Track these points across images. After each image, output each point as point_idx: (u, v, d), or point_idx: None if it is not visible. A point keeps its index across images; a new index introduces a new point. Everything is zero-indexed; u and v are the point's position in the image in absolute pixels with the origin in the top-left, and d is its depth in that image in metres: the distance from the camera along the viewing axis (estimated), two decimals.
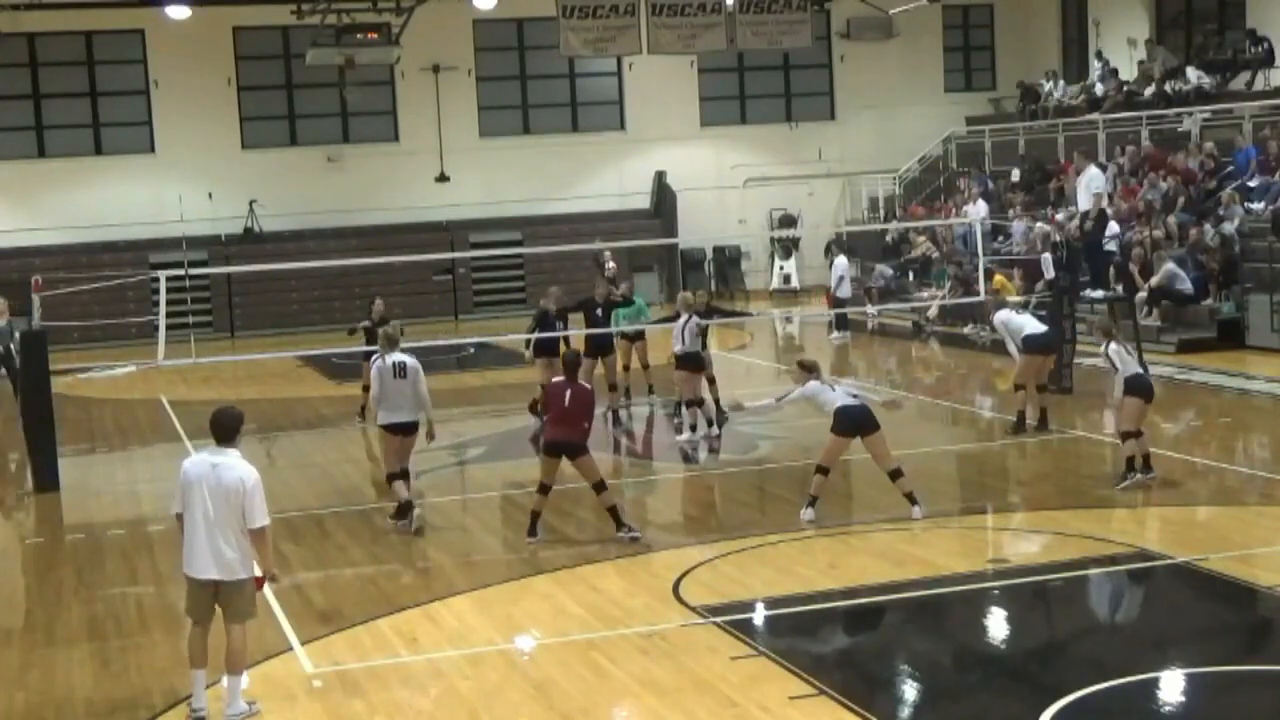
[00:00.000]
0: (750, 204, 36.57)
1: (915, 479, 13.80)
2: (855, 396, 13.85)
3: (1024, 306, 19.72)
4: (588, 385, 13.56)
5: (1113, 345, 14.75)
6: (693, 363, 18.07)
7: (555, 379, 13.62)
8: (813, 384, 13.70)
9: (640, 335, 20.37)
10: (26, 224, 32.45)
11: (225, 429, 9.29)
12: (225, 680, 9.31)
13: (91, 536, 14.71)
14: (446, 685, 9.82)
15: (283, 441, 19.44)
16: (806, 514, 13.53)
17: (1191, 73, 29.73)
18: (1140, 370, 14.81)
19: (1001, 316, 17.94)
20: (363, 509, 15.19)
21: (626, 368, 20.27)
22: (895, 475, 13.60)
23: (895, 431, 17.83)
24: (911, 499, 13.49)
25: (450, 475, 17.55)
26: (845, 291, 27.89)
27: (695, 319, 18.06)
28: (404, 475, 14.09)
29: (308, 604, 11.79)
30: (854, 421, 13.53)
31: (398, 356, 13.84)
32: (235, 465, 9.17)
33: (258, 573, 9.36)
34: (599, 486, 13.18)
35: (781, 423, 19.54)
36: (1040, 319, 18.42)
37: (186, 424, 20.57)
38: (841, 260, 28.25)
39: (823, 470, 13.61)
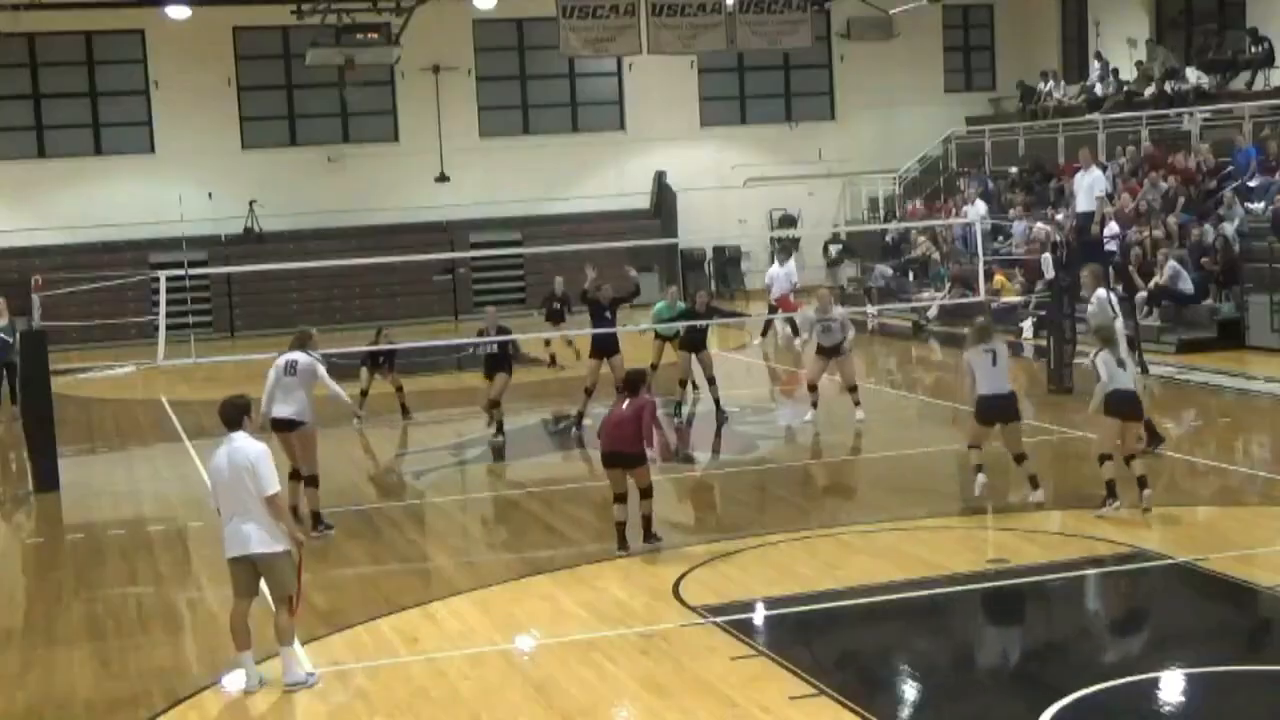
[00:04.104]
0: (750, 204, 36.56)
1: (916, 479, 13.79)
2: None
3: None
4: (648, 397, 12.97)
5: (1103, 354, 13.38)
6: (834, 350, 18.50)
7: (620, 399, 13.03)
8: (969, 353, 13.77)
9: (678, 334, 20.48)
10: (26, 224, 32.44)
11: (228, 417, 9.99)
12: (280, 651, 9.85)
13: (91, 536, 14.70)
14: (446, 685, 9.82)
15: None
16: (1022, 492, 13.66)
17: (1191, 73, 29.72)
18: (1125, 386, 13.28)
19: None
20: (362, 509, 15.19)
21: (654, 366, 20.52)
22: (1020, 459, 13.70)
23: (896, 431, 17.91)
24: (1034, 483, 13.61)
25: (450, 475, 17.56)
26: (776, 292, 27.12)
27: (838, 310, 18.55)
28: (300, 478, 13.88)
29: (308, 604, 11.75)
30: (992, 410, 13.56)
31: (293, 355, 13.96)
32: (243, 445, 9.82)
33: (288, 546, 9.89)
34: (646, 492, 12.78)
35: (782, 423, 19.55)
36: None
37: (186, 424, 20.59)
38: (776, 268, 27.68)
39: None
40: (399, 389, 20.35)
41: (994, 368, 13.40)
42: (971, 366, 13.66)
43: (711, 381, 19.28)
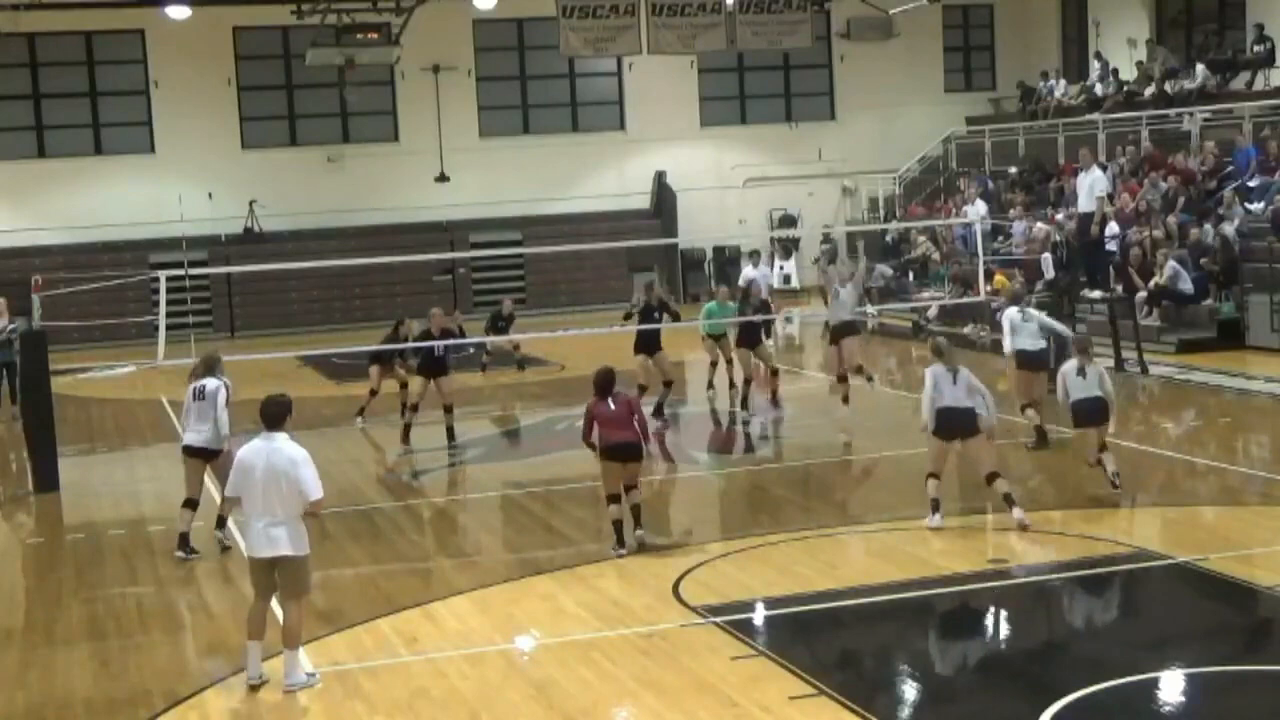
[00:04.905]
0: (750, 204, 36.56)
1: (916, 479, 13.76)
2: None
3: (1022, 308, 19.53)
4: (626, 394, 13.09)
5: (1065, 366, 14.09)
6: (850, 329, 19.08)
7: (593, 400, 12.95)
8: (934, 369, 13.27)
9: (725, 334, 20.66)
10: (26, 224, 32.44)
11: (274, 416, 10.00)
12: (283, 654, 9.84)
13: (91, 536, 14.70)
14: (446, 685, 9.82)
15: None
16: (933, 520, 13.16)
17: (1199, 70, 29.62)
18: (1086, 395, 13.84)
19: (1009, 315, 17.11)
20: (362, 509, 15.19)
21: (714, 364, 20.82)
22: (991, 479, 13.15)
23: (896, 431, 17.89)
24: (1009, 500, 13.04)
25: (450, 475, 17.56)
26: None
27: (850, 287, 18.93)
28: (193, 506, 13.48)
29: (308, 604, 11.76)
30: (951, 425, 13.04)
31: (201, 381, 13.54)
32: (285, 447, 9.84)
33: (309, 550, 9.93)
34: (633, 485, 12.89)
35: (781, 423, 19.54)
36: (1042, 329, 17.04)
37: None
38: (751, 270, 27.30)
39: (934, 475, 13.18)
40: (403, 385, 20.31)
41: (954, 385, 13.05)
42: (935, 379, 13.21)
43: (775, 374, 19.93)
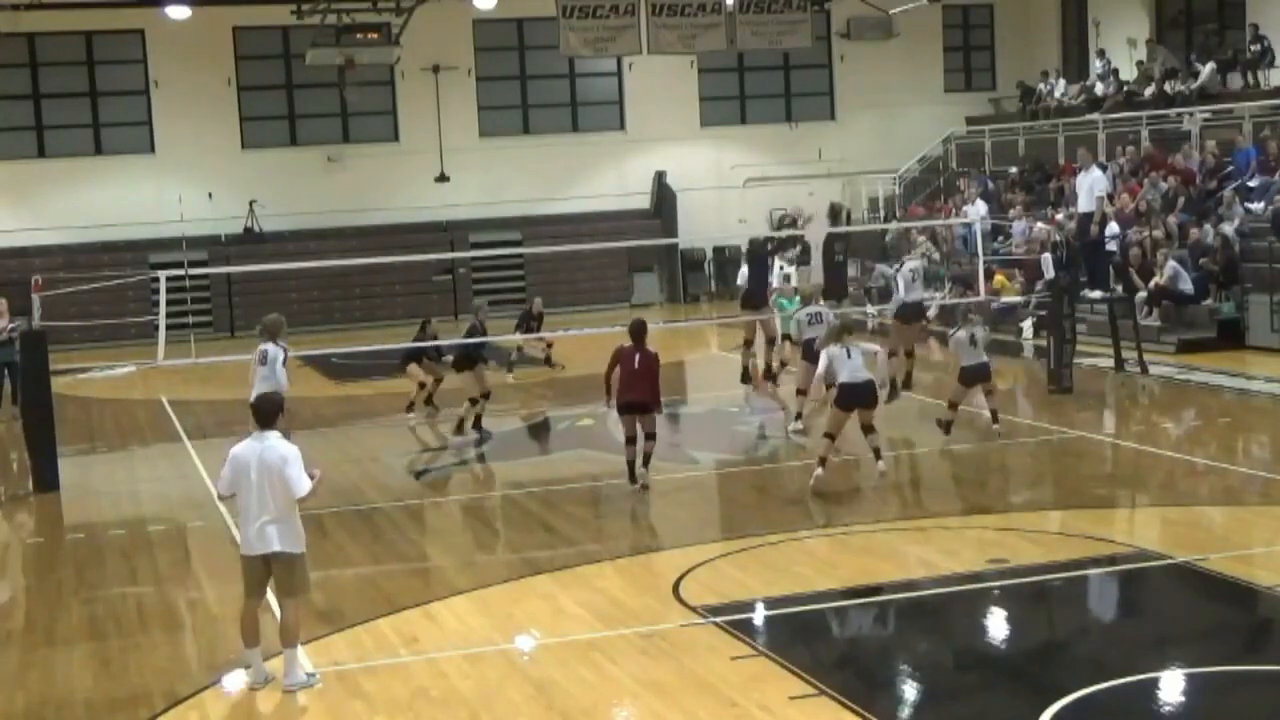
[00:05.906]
0: (750, 204, 36.47)
1: (916, 479, 13.80)
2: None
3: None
4: (653, 350, 14.90)
5: (960, 333, 16.68)
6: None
7: (626, 346, 14.84)
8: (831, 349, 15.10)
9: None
10: (26, 224, 32.42)
11: (265, 414, 10.16)
12: (282, 653, 9.86)
13: (91, 536, 14.71)
14: (446, 685, 9.82)
15: None
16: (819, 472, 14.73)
17: (1206, 67, 29.57)
18: (974, 361, 16.61)
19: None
20: (362, 509, 15.19)
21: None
22: (868, 430, 15.03)
23: (896, 431, 17.91)
24: (877, 454, 14.96)
25: (450, 475, 17.56)
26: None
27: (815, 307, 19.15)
28: None
29: (307, 604, 11.76)
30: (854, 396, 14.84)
31: (264, 345, 15.66)
32: (276, 445, 9.90)
33: (304, 548, 10.03)
34: (650, 435, 14.93)
35: (781, 422, 19.54)
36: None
37: (186, 424, 20.59)
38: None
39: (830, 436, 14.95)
40: (438, 381, 20.38)
41: (849, 360, 14.87)
42: (830, 359, 15.13)
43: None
